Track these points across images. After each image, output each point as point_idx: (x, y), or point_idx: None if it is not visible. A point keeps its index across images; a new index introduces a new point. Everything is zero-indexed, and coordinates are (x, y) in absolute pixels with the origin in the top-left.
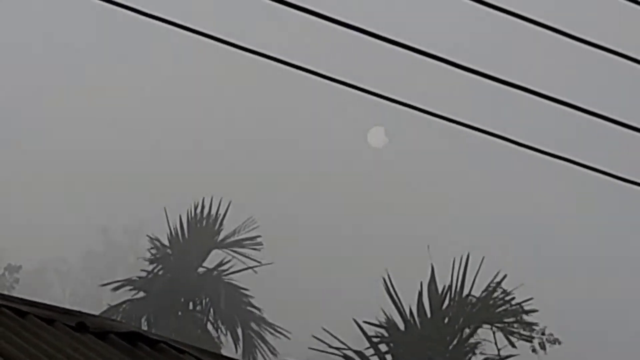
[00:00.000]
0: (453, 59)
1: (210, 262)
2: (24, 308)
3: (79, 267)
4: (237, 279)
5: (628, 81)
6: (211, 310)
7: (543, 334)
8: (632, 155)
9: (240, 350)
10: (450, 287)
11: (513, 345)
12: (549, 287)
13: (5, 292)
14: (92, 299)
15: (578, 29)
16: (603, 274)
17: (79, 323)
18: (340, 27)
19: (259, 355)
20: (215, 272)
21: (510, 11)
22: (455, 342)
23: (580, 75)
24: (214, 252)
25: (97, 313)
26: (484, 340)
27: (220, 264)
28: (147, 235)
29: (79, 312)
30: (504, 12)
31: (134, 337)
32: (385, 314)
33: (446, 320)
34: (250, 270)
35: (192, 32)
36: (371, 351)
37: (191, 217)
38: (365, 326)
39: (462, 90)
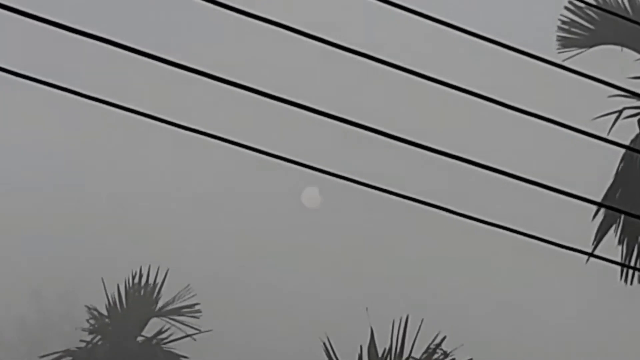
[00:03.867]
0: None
1: (149, 330)
2: None
3: (13, 335)
4: (177, 347)
5: None
6: None
7: None
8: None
9: None
10: (390, 349)
11: None
12: (487, 347)
13: None
14: None
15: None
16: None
17: None
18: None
19: None
20: (154, 341)
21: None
22: None
23: None
24: (153, 320)
25: None
26: None
27: (160, 332)
28: (85, 306)
29: None
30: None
31: None
32: None
33: None
34: (189, 338)
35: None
36: None
37: (129, 286)
38: None
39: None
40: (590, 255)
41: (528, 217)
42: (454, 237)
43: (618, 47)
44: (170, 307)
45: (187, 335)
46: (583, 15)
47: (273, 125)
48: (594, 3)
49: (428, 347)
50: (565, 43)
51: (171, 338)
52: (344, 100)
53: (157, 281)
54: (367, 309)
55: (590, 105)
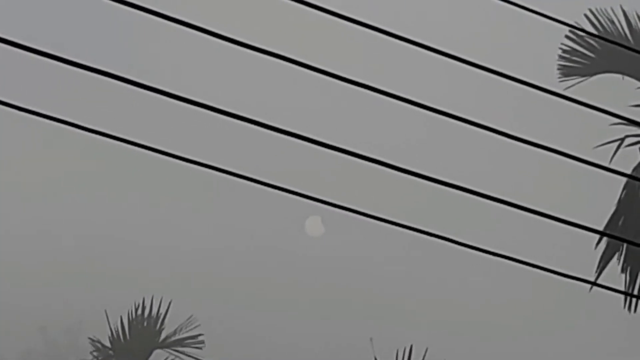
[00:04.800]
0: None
1: None
2: None
3: None
4: None
5: None
6: None
7: None
8: None
9: None
10: None
11: None
12: None
13: None
14: None
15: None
16: None
17: None
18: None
19: None
20: None
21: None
22: None
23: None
24: (156, 352)
25: None
26: None
27: None
28: (89, 338)
29: None
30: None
31: None
32: None
33: None
34: None
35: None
36: None
37: (132, 318)
38: None
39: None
40: (594, 284)
41: (530, 246)
42: (455, 266)
43: (619, 76)
44: (173, 338)
45: None
46: (584, 44)
47: (273, 154)
48: (595, 32)
49: None
50: (566, 72)
51: None
52: (347, 131)
53: (160, 312)
54: (371, 339)
55: (591, 134)
